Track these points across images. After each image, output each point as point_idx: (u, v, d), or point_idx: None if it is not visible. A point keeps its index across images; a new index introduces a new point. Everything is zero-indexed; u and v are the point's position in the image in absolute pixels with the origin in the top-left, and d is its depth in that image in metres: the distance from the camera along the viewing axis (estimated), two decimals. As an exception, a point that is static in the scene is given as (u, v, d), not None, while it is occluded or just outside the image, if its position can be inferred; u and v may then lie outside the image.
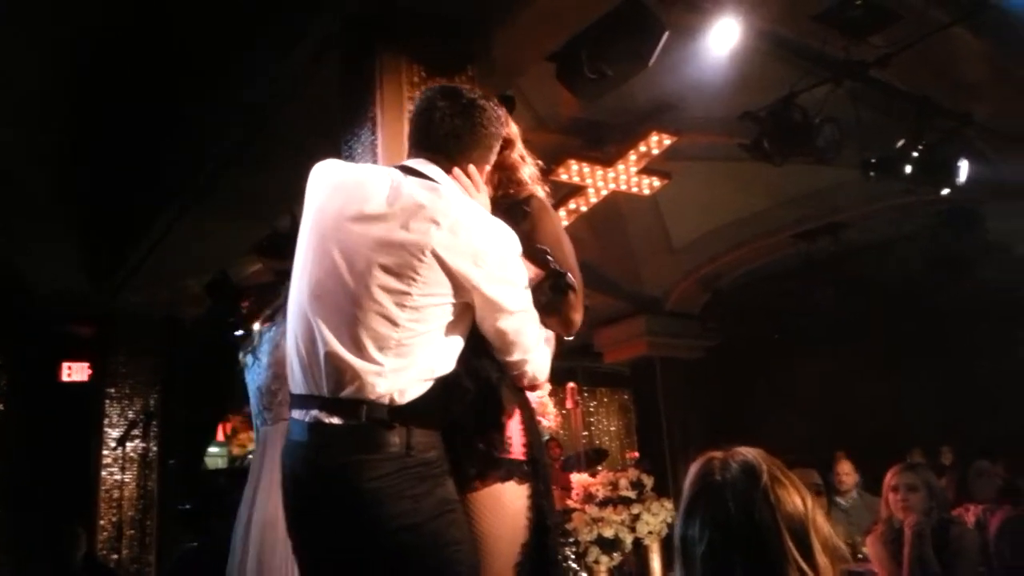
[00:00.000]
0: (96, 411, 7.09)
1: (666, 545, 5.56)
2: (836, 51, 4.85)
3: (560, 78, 4.29)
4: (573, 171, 6.28)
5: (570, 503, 5.43)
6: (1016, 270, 7.23)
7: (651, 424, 9.52)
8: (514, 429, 1.89)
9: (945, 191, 5.68)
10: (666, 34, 3.88)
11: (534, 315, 1.89)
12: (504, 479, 1.84)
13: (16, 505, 6.44)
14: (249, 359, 3.27)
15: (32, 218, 6.10)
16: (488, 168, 2.03)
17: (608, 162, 6.27)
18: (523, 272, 1.85)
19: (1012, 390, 7.70)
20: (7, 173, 5.60)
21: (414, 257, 1.72)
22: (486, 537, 1.80)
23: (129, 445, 7.00)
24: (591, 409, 12.50)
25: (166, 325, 7.44)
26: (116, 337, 7.29)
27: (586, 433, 11.57)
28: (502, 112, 2.03)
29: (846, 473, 5.86)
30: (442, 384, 1.79)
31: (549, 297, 1.96)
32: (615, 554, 5.20)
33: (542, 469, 1.94)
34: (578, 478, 5.75)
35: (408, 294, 1.73)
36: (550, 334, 2.04)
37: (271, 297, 3.24)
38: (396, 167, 1.95)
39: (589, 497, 5.44)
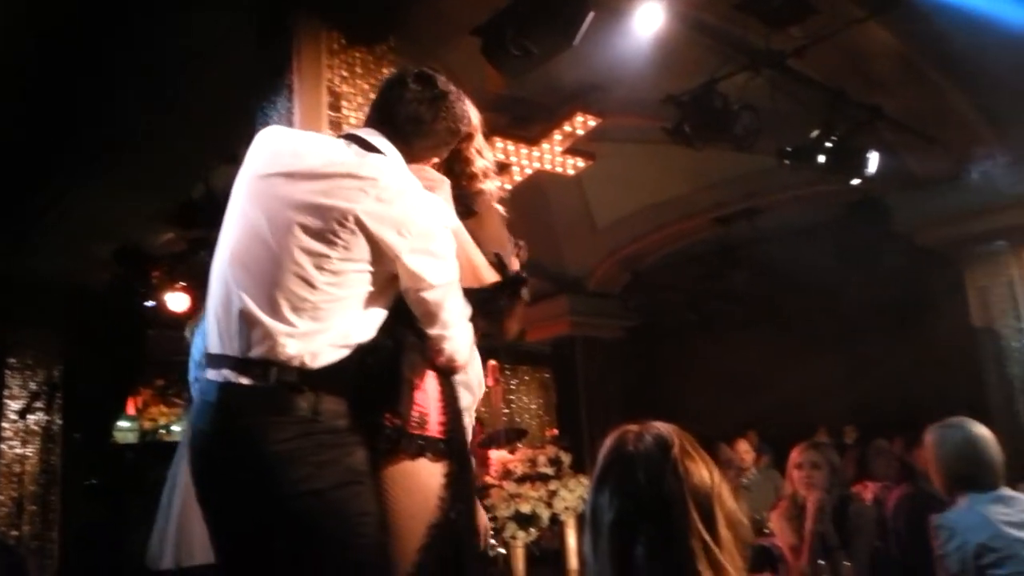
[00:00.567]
0: (-5, 382, 6.82)
1: (582, 521, 5.64)
2: (757, 39, 4.96)
3: (485, 53, 4.24)
4: (498, 149, 6.26)
5: (488, 479, 5.47)
6: (918, 259, 7.56)
7: (570, 402, 9.62)
8: (432, 406, 1.85)
9: (855, 181, 5.89)
10: (591, 14, 3.87)
11: (458, 290, 1.87)
12: (415, 456, 1.80)
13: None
14: (198, 338, 3.21)
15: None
16: (437, 160, 2.02)
17: (533, 141, 6.29)
18: (450, 246, 1.83)
19: (915, 373, 8.08)
20: None
21: (336, 221, 1.70)
22: (395, 514, 1.77)
23: (31, 418, 6.79)
24: (512, 387, 12.56)
25: (72, 293, 7.08)
26: (17, 305, 6.91)
27: (507, 411, 11.63)
28: (470, 111, 2.02)
29: (745, 451, 6.07)
30: (359, 353, 1.76)
31: (505, 303, 1.95)
32: (532, 530, 5.28)
33: (460, 449, 1.90)
34: (497, 455, 5.79)
35: (328, 257, 1.71)
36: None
37: (182, 266, 3.15)
38: (344, 136, 1.93)
39: (507, 473, 5.49)
